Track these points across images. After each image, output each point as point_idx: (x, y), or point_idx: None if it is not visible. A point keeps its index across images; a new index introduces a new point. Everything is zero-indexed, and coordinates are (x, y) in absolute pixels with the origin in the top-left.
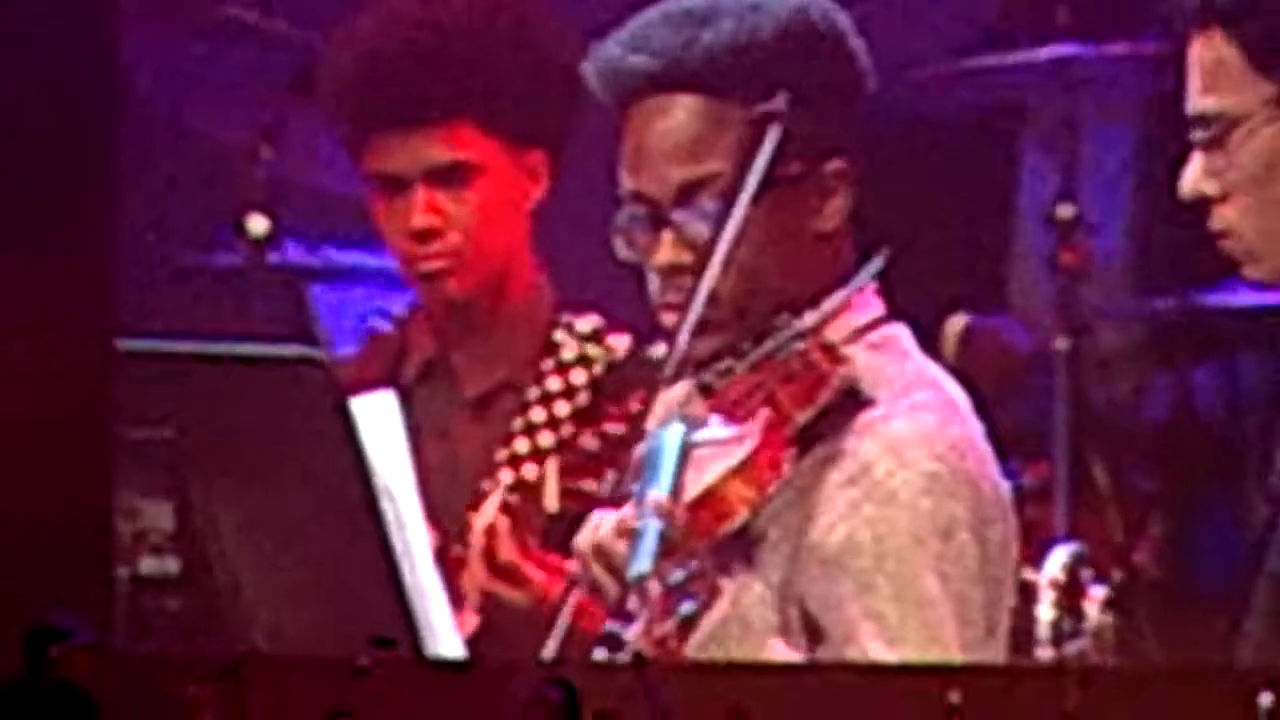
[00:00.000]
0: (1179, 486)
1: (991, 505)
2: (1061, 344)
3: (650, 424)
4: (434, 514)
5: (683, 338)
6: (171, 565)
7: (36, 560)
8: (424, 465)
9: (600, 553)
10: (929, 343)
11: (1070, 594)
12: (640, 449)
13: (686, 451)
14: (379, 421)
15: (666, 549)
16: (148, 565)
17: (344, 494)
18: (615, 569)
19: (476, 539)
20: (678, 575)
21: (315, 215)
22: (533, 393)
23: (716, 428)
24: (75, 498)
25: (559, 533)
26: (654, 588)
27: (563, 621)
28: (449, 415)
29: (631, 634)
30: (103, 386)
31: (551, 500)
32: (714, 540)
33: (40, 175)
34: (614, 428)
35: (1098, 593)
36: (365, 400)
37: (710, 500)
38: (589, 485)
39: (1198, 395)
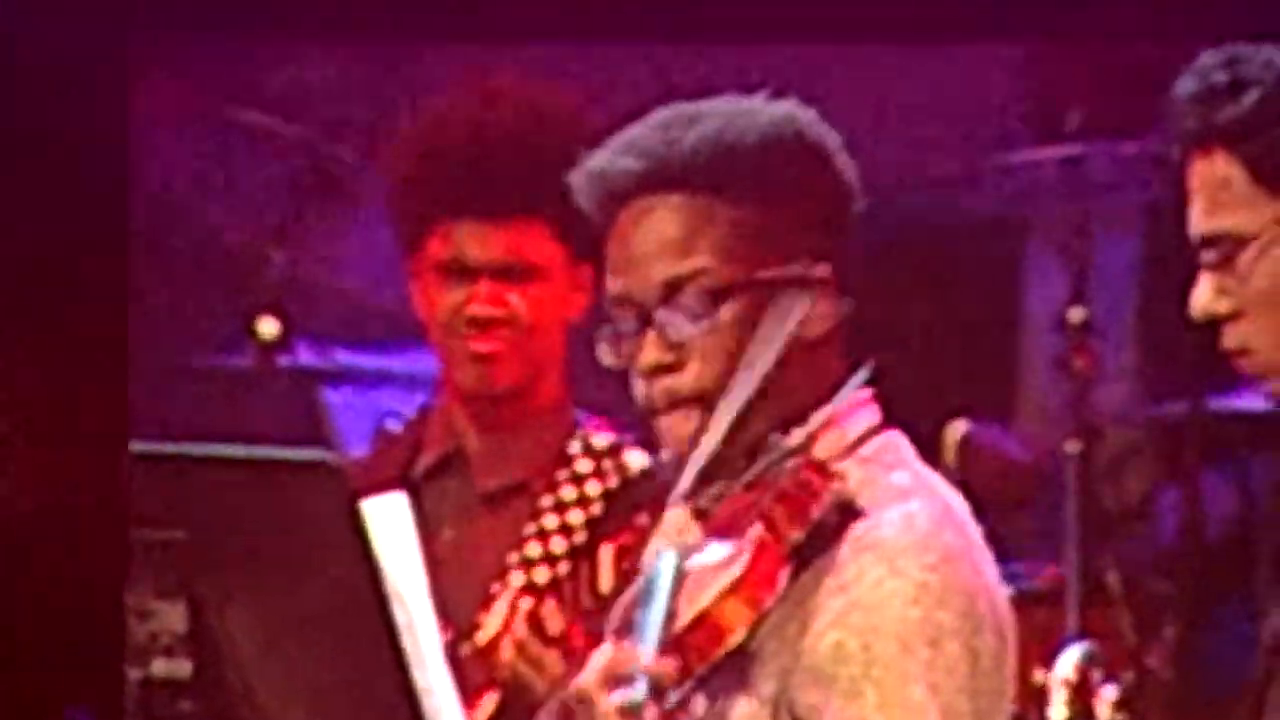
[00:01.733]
0: (1191, 590)
1: (984, 614)
2: (1072, 447)
3: (648, 551)
4: (444, 610)
5: (696, 460)
6: (184, 667)
7: (49, 662)
8: (434, 560)
9: (584, 701)
10: (929, 450)
11: (1082, 693)
12: (639, 579)
13: (680, 581)
14: (391, 523)
15: (658, 691)
16: (160, 667)
17: (356, 596)
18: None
19: (513, 623)
20: (674, 698)
21: (327, 318)
22: (547, 499)
23: (712, 550)
24: (88, 599)
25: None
26: (651, 711)
27: None
28: (461, 510)
29: None
30: (116, 488)
31: (606, 581)
32: (710, 664)
33: (51, 277)
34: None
35: (1109, 693)
36: (377, 502)
37: (705, 623)
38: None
39: (1209, 499)
